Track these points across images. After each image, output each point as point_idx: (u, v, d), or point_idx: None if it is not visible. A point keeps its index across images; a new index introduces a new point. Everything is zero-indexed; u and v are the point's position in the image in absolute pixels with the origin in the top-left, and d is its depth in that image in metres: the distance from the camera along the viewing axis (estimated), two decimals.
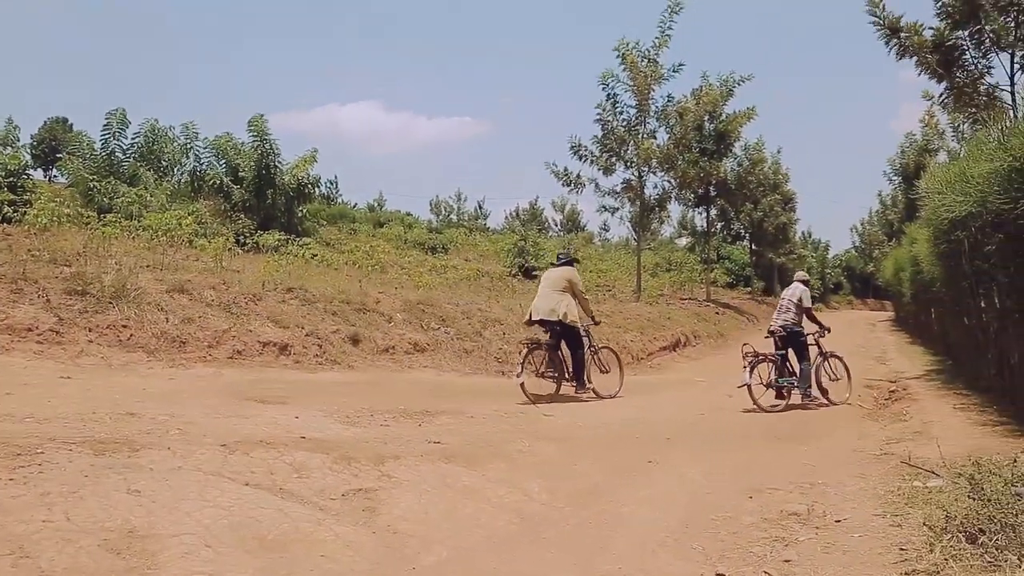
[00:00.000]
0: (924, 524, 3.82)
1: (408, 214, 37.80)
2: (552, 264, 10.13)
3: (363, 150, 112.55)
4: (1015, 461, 4.44)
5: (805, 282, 9.59)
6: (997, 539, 3.28)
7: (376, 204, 41.99)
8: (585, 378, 9.10)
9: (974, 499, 3.77)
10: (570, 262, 9.66)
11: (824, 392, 9.28)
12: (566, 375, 9.07)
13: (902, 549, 3.65)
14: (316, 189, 20.62)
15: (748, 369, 8.74)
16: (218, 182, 17.79)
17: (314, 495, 4.15)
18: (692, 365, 14.31)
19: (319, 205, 24.62)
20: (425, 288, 14.04)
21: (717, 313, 21.62)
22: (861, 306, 49.69)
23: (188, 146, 18.97)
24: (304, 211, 19.62)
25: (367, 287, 12.22)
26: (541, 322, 9.02)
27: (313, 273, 13.11)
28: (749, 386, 8.67)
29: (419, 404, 7.35)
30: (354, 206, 37.84)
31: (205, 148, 18.78)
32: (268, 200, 18.14)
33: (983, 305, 8.57)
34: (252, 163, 18.12)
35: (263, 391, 7.17)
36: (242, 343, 8.72)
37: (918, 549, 3.57)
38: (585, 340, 9.25)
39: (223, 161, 18.48)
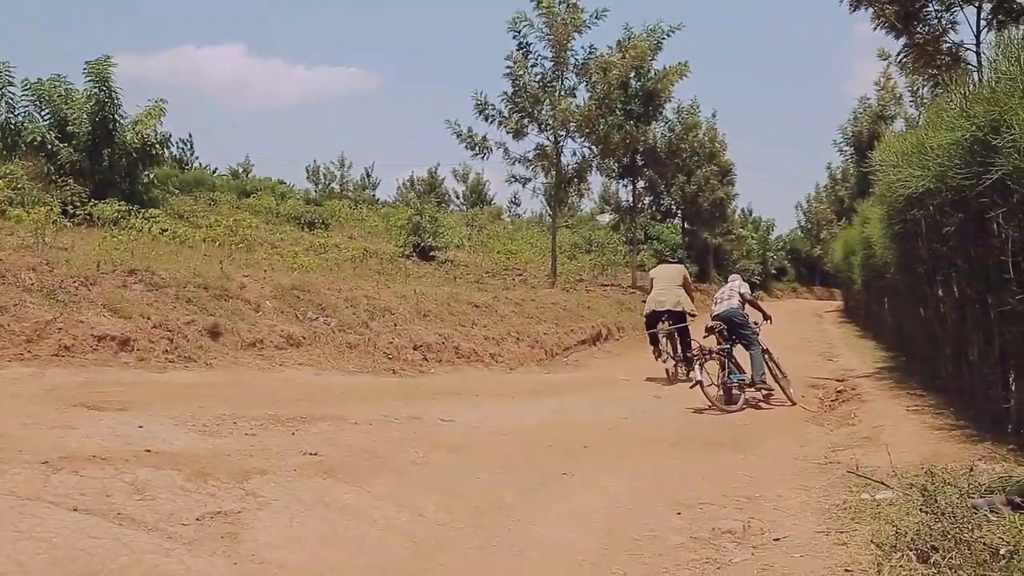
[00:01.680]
0: (872, 542, 4.00)
1: (281, 182, 36.91)
2: (665, 261, 13.65)
3: (225, 104, 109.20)
4: (972, 470, 4.69)
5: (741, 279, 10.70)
6: (951, 557, 3.43)
7: (241, 169, 40.80)
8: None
9: (927, 513, 3.95)
10: (680, 261, 13.49)
11: (784, 388, 9.92)
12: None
13: (847, 570, 3.81)
14: (166, 149, 19.86)
15: (698, 366, 9.24)
16: (40, 138, 16.84)
17: (161, 520, 4.02)
18: (614, 361, 14.57)
19: (170, 169, 23.81)
20: (301, 271, 13.78)
21: (643, 302, 22.05)
22: (807, 294, 51.56)
23: (0, 92, 17.91)
24: (151, 176, 18.88)
25: (230, 269, 11.91)
26: (667, 313, 11.71)
27: (162, 252, 12.72)
28: (701, 383, 9.11)
29: (292, 409, 7.24)
30: (214, 171, 36.79)
31: (24, 94, 17.75)
32: (105, 162, 17.32)
33: (941, 294, 8.90)
34: (85, 116, 17.26)
35: (98, 395, 6.90)
36: (71, 337, 8.36)
37: (865, 570, 3.73)
38: None
39: (47, 112, 17.52)
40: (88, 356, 8.29)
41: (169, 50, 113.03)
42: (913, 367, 11.41)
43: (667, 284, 12.04)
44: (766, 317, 10.42)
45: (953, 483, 4.44)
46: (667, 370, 11.55)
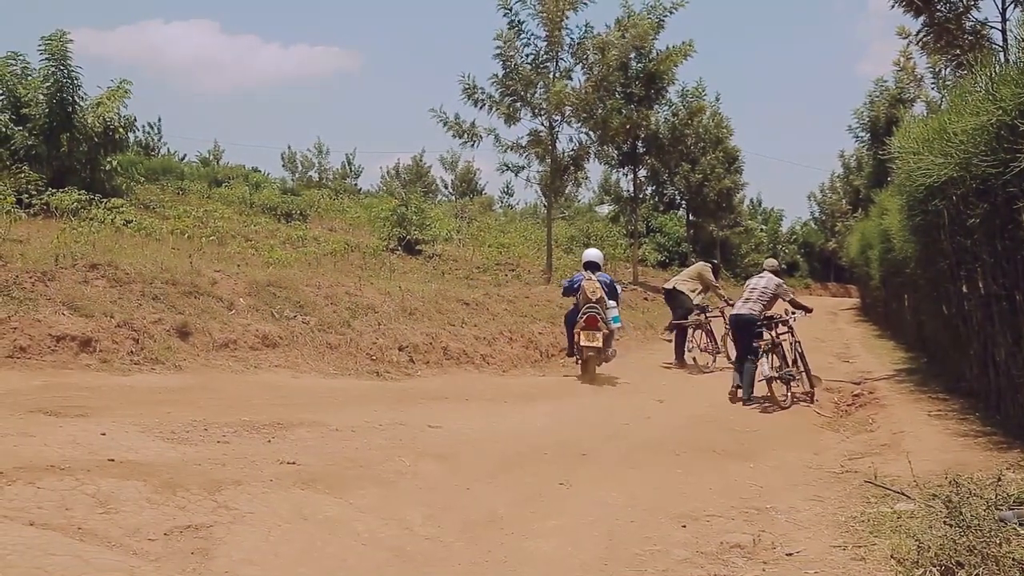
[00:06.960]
0: (892, 557, 4.01)
1: (255, 170, 36.80)
2: (691, 261, 16.30)
3: (194, 85, 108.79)
4: (1000, 479, 4.67)
5: (775, 272, 10.61)
6: (977, 574, 3.44)
7: (212, 156, 40.80)
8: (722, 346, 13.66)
9: (951, 526, 3.95)
10: (708, 263, 15.11)
11: (816, 381, 10.12)
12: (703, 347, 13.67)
13: None
14: (130, 134, 19.77)
15: (766, 357, 9.36)
16: None
17: (126, 535, 4.01)
18: (614, 363, 14.51)
19: (135, 156, 23.72)
20: (277, 266, 13.76)
21: (646, 299, 22.10)
22: (821, 291, 51.50)
23: None
24: (114, 163, 18.79)
25: (200, 264, 11.87)
26: (668, 292, 14.02)
27: (127, 245, 12.68)
28: (770, 380, 9.29)
29: (268, 414, 7.22)
30: (183, 158, 36.74)
31: None
32: (64, 147, 17.23)
33: (965, 290, 8.88)
34: (42, 97, 17.18)
35: (57, 400, 6.86)
36: (27, 337, 8.33)
37: None
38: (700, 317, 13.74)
39: (1, 93, 17.47)
40: (46, 358, 8.26)
41: (133, 24, 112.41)
42: (935, 369, 11.41)
43: (679, 277, 14.39)
44: (807, 310, 10.42)
45: (979, 494, 4.43)
46: (694, 358, 13.33)
